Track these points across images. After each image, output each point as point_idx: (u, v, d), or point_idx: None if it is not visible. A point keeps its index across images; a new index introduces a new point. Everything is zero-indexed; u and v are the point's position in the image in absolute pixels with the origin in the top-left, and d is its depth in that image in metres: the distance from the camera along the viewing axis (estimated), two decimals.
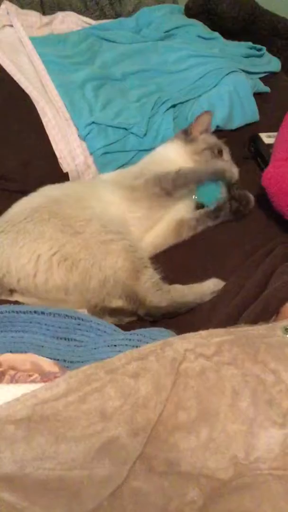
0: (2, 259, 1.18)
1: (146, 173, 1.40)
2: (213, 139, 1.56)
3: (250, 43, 2.04)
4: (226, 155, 1.57)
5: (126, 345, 0.94)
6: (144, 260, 1.23)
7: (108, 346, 0.95)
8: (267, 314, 1.05)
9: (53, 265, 1.16)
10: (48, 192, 1.34)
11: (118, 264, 1.18)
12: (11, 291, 1.19)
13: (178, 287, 1.22)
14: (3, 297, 1.18)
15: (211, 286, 1.22)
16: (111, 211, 1.32)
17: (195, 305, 1.20)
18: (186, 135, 1.54)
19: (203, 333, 0.74)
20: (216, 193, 1.42)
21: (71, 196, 1.31)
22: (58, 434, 0.61)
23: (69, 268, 1.16)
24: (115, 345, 0.94)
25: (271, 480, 0.61)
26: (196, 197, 1.44)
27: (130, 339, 0.95)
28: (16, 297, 1.18)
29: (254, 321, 1.02)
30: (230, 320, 1.07)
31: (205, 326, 0.85)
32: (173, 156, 1.50)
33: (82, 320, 1.01)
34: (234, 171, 1.46)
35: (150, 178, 1.38)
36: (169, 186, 1.37)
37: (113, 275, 1.17)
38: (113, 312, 1.19)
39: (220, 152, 1.55)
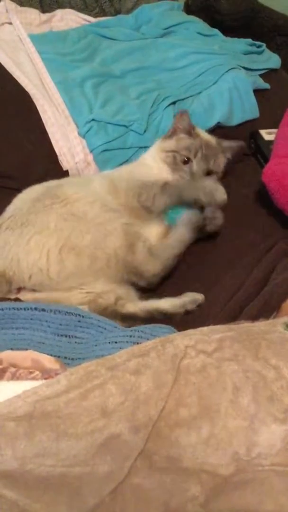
0: (10, 258, 1.16)
1: (129, 178, 1.35)
2: (186, 143, 1.40)
3: (250, 40, 2.04)
4: (196, 166, 1.37)
5: (127, 342, 0.94)
6: (139, 234, 1.24)
7: (109, 343, 0.95)
8: (268, 310, 1.06)
9: (62, 256, 1.16)
10: (49, 184, 1.36)
11: (116, 243, 1.19)
12: (19, 290, 1.18)
13: (163, 244, 1.27)
14: (7, 295, 1.17)
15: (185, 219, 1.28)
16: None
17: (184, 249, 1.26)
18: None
19: (204, 329, 0.75)
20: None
21: (72, 181, 1.35)
22: (59, 431, 0.61)
23: (77, 255, 1.17)
24: (116, 342, 0.94)
25: (273, 476, 0.61)
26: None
27: (131, 336, 0.95)
28: (22, 295, 1.17)
29: (255, 317, 1.02)
30: (231, 316, 1.07)
31: (206, 323, 0.85)
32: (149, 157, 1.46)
33: (83, 317, 1.01)
34: (221, 194, 1.30)
35: (130, 189, 1.32)
36: (149, 203, 1.31)
37: (113, 253, 1.18)
38: (125, 318, 1.15)
39: (185, 162, 1.38)
